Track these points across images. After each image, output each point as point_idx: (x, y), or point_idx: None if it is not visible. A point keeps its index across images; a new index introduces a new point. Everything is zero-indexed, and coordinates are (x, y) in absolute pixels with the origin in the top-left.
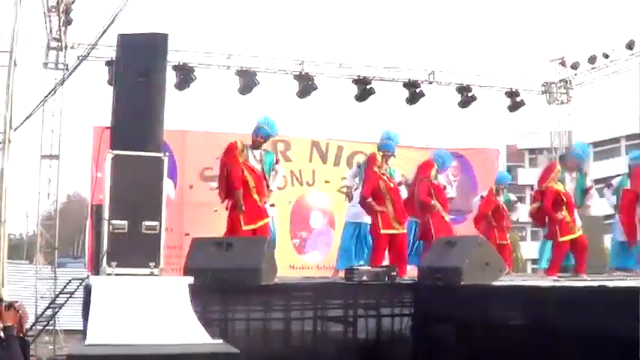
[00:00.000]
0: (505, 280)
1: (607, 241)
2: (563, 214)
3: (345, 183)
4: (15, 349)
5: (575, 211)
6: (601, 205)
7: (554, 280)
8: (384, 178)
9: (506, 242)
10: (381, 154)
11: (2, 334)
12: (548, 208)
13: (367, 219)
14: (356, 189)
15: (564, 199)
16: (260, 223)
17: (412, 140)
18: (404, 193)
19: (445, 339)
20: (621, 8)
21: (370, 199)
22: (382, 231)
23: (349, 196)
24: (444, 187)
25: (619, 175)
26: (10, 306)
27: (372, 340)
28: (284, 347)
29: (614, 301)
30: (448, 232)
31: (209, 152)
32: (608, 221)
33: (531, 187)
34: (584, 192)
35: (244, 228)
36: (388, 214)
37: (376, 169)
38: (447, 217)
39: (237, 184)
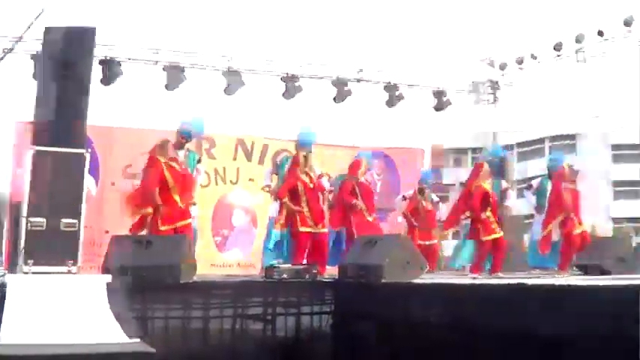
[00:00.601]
0: (426, 279)
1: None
2: (487, 214)
3: (265, 182)
4: None
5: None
6: (521, 206)
7: (473, 278)
8: (304, 179)
9: (432, 242)
10: (303, 153)
11: None
12: (475, 207)
13: None
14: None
15: (491, 199)
16: (180, 224)
17: (339, 139)
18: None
19: (366, 337)
20: (550, 10)
21: (286, 199)
22: (300, 229)
23: (273, 194)
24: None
25: (544, 174)
26: None
27: (292, 338)
28: (203, 346)
29: (534, 299)
30: (371, 232)
31: (134, 149)
32: (527, 221)
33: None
34: (500, 193)
35: (161, 228)
36: (304, 214)
37: (298, 170)
38: (370, 217)
39: (152, 184)
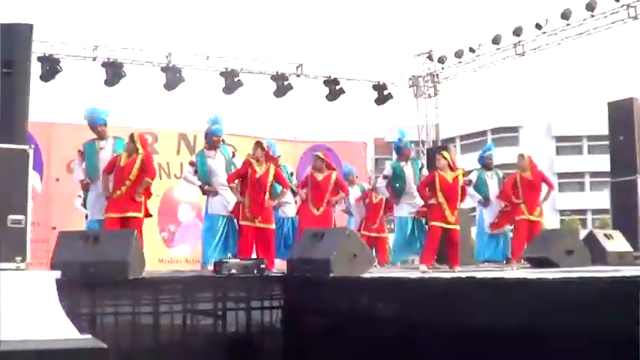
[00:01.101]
0: (374, 273)
1: (473, 233)
2: (439, 200)
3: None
4: None
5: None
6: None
7: (423, 272)
8: (255, 168)
9: (382, 235)
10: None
11: None
12: (420, 189)
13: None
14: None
15: (439, 186)
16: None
17: (281, 133)
18: None
19: (315, 332)
20: (488, 4)
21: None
22: (240, 222)
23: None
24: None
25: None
26: None
27: (242, 333)
28: (153, 342)
29: (483, 292)
30: (315, 225)
31: (76, 144)
32: (472, 214)
33: None
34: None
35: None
36: (244, 205)
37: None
38: (316, 211)
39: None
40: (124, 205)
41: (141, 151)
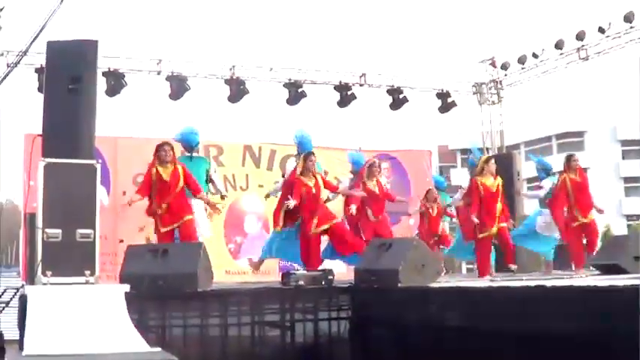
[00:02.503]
0: (442, 282)
1: None
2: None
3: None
4: None
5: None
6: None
7: (491, 281)
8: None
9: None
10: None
11: None
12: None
13: None
14: None
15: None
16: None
17: (345, 143)
18: None
19: (383, 342)
20: (550, 9)
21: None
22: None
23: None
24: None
25: (553, 172)
26: None
27: (310, 344)
28: (222, 353)
29: (553, 300)
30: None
31: (141, 158)
32: None
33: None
34: None
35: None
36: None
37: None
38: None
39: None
40: (174, 216)
41: (179, 165)
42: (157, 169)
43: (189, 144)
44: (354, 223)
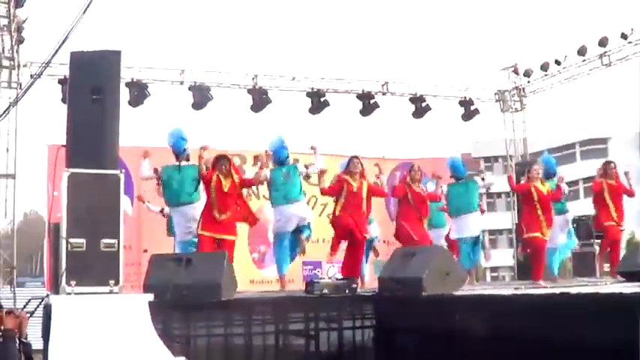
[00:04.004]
0: (466, 290)
1: None
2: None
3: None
4: (12, 350)
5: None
6: None
7: (515, 289)
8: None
9: None
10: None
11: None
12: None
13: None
14: None
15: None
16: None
17: (369, 151)
18: None
19: (408, 350)
20: (571, 16)
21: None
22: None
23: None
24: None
25: (576, 179)
26: (10, 312)
27: (335, 353)
28: None
29: (579, 308)
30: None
31: None
32: None
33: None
34: None
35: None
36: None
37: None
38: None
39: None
40: (222, 228)
41: (236, 177)
42: (218, 177)
43: (177, 151)
44: (402, 230)
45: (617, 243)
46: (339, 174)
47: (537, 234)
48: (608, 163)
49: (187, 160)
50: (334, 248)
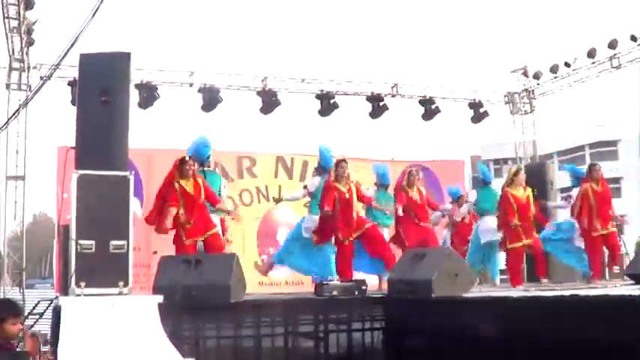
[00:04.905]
0: (475, 292)
1: None
2: (515, 222)
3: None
4: None
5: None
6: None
7: (525, 290)
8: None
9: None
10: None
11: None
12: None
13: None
14: None
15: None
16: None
17: (378, 154)
18: None
19: (417, 352)
20: (581, 18)
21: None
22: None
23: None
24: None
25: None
26: (34, 335)
27: (344, 355)
28: None
29: (587, 310)
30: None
31: None
32: None
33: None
34: None
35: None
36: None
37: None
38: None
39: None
40: (199, 229)
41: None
42: (179, 183)
43: (200, 158)
44: (397, 229)
45: (615, 249)
46: (326, 181)
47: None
48: (592, 165)
49: (209, 166)
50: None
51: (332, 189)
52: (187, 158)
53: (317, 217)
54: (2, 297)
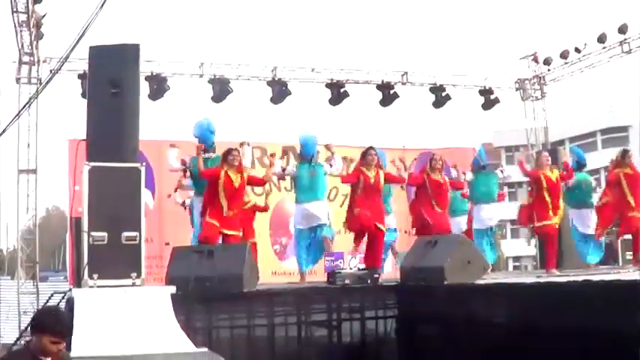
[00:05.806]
0: (488, 279)
1: None
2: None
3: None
4: None
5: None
6: None
7: (537, 277)
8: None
9: None
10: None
11: None
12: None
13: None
14: None
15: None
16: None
17: (389, 142)
18: None
19: (430, 339)
20: (591, 2)
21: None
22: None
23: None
24: None
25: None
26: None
27: (357, 343)
28: (269, 353)
29: (601, 296)
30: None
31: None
32: None
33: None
34: None
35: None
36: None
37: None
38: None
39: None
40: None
41: (245, 173)
42: (226, 173)
43: (205, 143)
44: (416, 213)
45: (638, 232)
46: (355, 166)
47: (547, 222)
48: (626, 151)
49: (214, 152)
50: (357, 244)
51: (357, 171)
52: (234, 149)
53: (301, 205)
54: (15, 291)
